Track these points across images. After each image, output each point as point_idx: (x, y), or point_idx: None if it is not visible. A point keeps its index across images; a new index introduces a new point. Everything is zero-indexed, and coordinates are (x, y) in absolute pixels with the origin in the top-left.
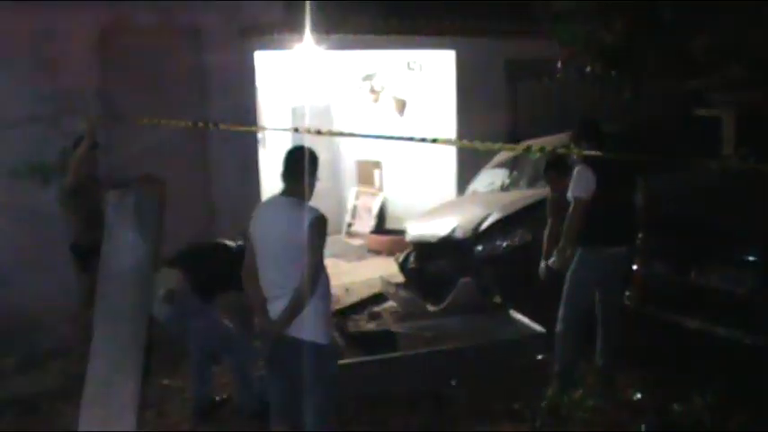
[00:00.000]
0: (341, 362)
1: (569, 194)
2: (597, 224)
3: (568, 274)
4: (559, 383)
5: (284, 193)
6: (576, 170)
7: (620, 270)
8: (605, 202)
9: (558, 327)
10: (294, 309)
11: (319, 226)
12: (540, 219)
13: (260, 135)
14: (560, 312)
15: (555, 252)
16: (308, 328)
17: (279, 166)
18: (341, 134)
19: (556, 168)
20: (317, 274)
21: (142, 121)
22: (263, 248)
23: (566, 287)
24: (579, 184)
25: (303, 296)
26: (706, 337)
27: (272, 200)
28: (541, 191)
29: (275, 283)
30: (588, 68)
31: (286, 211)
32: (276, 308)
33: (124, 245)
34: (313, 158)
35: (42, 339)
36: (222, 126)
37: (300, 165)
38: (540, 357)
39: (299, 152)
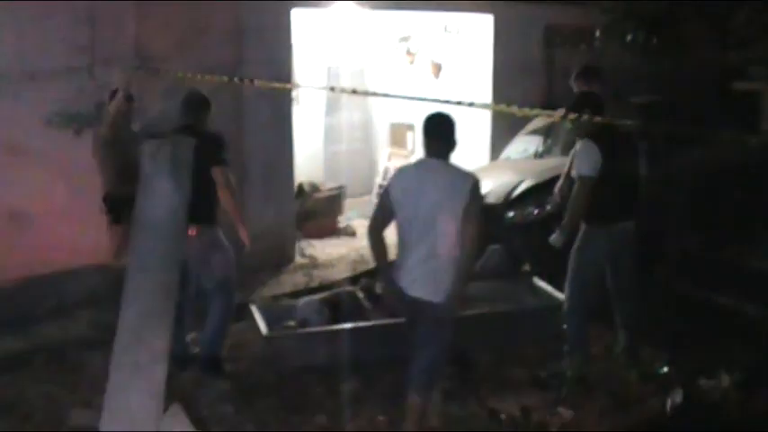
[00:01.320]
0: (366, 324)
1: (574, 172)
2: (603, 200)
3: (573, 252)
4: (571, 362)
5: (432, 155)
6: (580, 145)
7: (629, 245)
8: (611, 177)
9: (565, 305)
10: (464, 280)
11: (479, 190)
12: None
13: (294, 93)
14: (566, 291)
15: (557, 229)
16: (442, 289)
17: (328, 125)
18: (375, 95)
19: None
20: (477, 238)
21: (177, 75)
22: (413, 211)
23: (571, 266)
24: (585, 161)
25: (470, 265)
26: (735, 315)
27: (421, 162)
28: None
29: (421, 247)
30: (629, 37)
31: (441, 174)
32: (416, 272)
33: (159, 195)
34: (453, 122)
35: (72, 288)
36: (258, 83)
37: (445, 127)
38: (565, 327)
39: (442, 116)
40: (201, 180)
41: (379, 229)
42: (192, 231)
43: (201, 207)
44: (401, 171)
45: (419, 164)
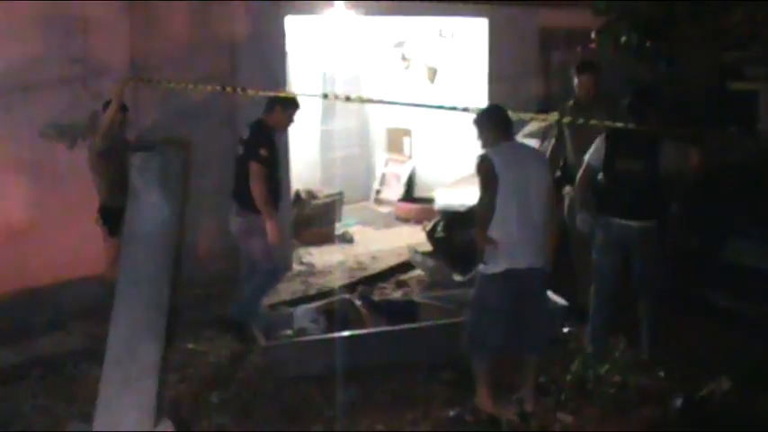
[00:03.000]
0: (363, 331)
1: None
2: (609, 195)
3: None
4: (585, 357)
5: (509, 139)
6: (598, 139)
7: (640, 245)
8: (617, 174)
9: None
10: (552, 245)
11: None
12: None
13: None
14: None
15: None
16: (543, 255)
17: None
18: (370, 101)
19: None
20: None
21: (170, 85)
22: (520, 188)
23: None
24: (592, 152)
25: (557, 231)
26: (736, 316)
27: (511, 145)
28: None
29: (525, 219)
30: (623, 38)
31: (529, 152)
32: (523, 244)
33: (148, 207)
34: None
35: (68, 301)
36: (250, 92)
37: (506, 115)
38: (565, 331)
39: (500, 108)
40: (243, 170)
41: (491, 211)
42: (235, 214)
43: (242, 194)
44: (496, 153)
45: (506, 147)
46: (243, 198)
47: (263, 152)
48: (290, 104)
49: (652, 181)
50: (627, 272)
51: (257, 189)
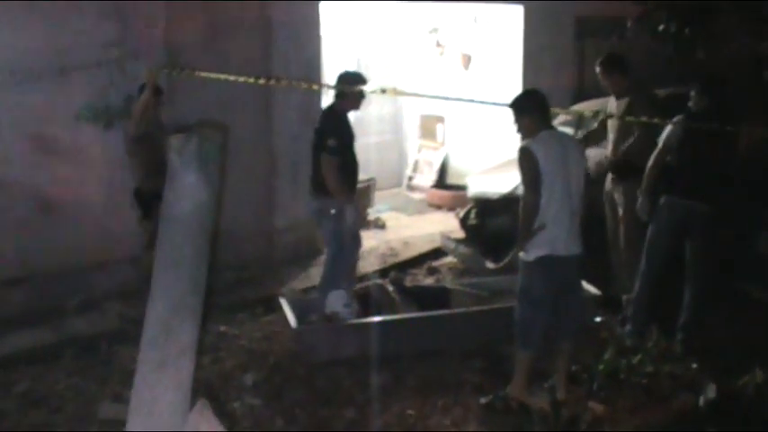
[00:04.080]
0: (395, 317)
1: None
2: (682, 176)
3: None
4: (620, 346)
5: (547, 127)
6: (674, 120)
7: (706, 228)
8: (692, 157)
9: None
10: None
11: None
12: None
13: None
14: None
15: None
16: (581, 244)
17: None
18: (403, 94)
19: (611, 65)
20: None
21: (204, 74)
22: (561, 178)
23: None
24: (664, 134)
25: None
26: None
27: (550, 134)
28: (606, 150)
29: (566, 207)
30: (661, 27)
31: (570, 144)
32: (566, 232)
33: (186, 189)
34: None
35: (103, 282)
36: (284, 82)
37: (545, 101)
38: (597, 320)
39: (537, 92)
40: (316, 157)
41: (538, 200)
42: (311, 197)
43: (315, 179)
44: (537, 144)
45: (546, 136)
46: (315, 183)
47: (331, 142)
48: (356, 83)
49: (727, 165)
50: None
51: (329, 179)
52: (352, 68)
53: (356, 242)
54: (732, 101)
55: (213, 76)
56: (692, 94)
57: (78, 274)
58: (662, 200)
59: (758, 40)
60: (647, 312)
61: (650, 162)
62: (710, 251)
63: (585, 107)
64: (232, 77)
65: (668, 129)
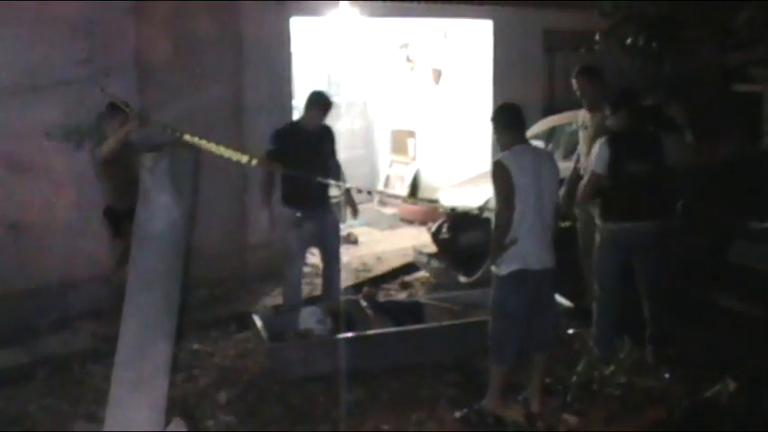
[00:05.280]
0: (369, 332)
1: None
2: (618, 199)
3: (595, 251)
4: (591, 358)
5: (521, 141)
6: (597, 144)
7: (648, 246)
8: (625, 178)
9: (595, 300)
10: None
11: None
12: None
13: (294, 102)
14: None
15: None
16: (553, 257)
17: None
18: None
19: (588, 76)
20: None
21: (186, 142)
22: (534, 192)
23: (594, 265)
24: (596, 159)
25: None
26: (741, 317)
27: (524, 148)
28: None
29: (538, 222)
30: (629, 40)
31: (543, 158)
32: (538, 245)
33: (158, 208)
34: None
35: (75, 301)
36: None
37: (521, 116)
38: (570, 332)
39: (514, 106)
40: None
41: (512, 212)
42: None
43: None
44: (511, 158)
45: (520, 150)
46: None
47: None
48: (315, 102)
49: (659, 180)
50: (631, 273)
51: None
52: (322, 85)
53: (331, 256)
54: (648, 115)
55: (193, 142)
56: (607, 113)
57: (50, 293)
58: (603, 225)
59: (725, 52)
60: (612, 332)
61: (581, 189)
62: (662, 265)
63: (556, 120)
64: (211, 146)
65: (595, 151)
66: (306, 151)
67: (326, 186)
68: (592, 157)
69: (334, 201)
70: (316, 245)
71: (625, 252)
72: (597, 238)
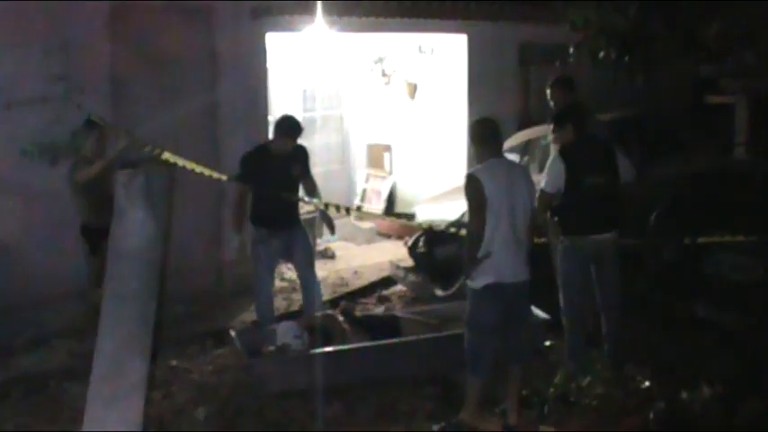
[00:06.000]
0: (346, 347)
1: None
2: (576, 213)
3: (557, 265)
4: (567, 370)
5: (496, 155)
6: (549, 161)
7: (608, 257)
8: (582, 191)
9: (562, 315)
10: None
11: None
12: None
13: (270, 117)
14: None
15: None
16: (527, 269)
17: None
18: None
19: (562, 87)
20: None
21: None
22: (507, 205)
23: (558, 279)
24: (546, 177)
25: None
26: (715, 326)
27: (498, 162)
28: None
29: (511, 235)
30: (601, 53)
31: (517, 172)
32: (511, 259)
33: (134, 225)
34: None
35: (50, 318)
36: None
37: (497, 130)
38: (547, 344)
39: (491, 120)
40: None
41: (483, 224)
42: None
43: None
44: (484, 171)
45: (494, 164)
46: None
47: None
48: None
49: (615, 190)
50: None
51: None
52: (298, 100)
53: (304, 270)
54: (591, 126)
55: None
56: (552, 131)
57: (25, 311)
58: (562, 237)
59: (696, 65)
60: (585, 344)
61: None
62: (617, 278)
63: (531, 133)
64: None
65: (548, 166)
66: (275, 173)
67: (296, 205)
68: (544, 173)
69: (309, 216)
70: (286, 259)
71: (586, 263)
72: (559, 249)
